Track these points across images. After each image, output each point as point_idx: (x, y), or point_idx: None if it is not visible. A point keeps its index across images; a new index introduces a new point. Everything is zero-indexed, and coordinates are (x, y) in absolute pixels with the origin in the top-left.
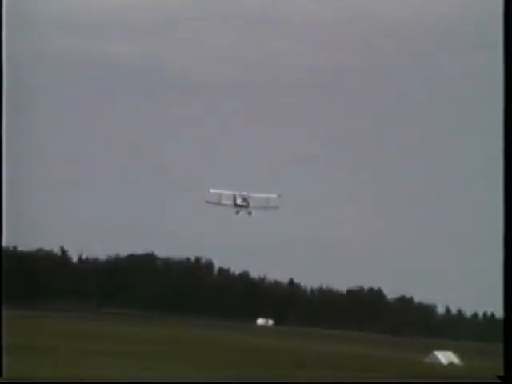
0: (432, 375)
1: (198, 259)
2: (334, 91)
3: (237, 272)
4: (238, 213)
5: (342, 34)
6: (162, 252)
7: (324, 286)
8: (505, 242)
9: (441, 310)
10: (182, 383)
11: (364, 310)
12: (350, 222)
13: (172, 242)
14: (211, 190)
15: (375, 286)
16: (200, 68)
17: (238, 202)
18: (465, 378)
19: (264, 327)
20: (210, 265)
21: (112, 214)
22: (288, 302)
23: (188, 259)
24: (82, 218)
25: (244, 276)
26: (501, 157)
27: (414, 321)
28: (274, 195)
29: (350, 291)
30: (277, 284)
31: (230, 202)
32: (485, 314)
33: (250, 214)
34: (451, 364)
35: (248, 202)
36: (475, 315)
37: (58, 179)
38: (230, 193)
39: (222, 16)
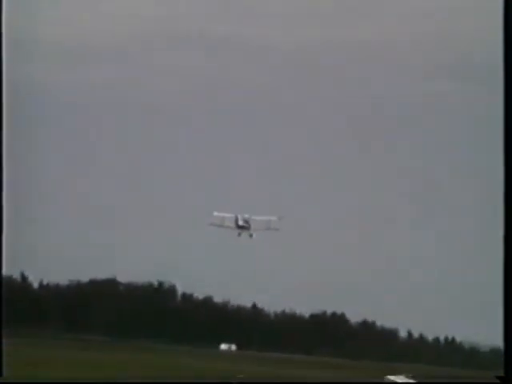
0: None
1: (160, 284)
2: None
3: (200, 297)
4: (239, 234)
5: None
6: (124, 277)
7: (287, 310)
8: (505, 242)
9: (403, 334)
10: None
11: (326, 334)
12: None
13: (135, 267)
14: (215, 213)
15: (338, 310)
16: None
17: (240, 224)
18: None
19: (227, 352)
20: (173, 289)
21: (73, 239)
22: (251, 327)
23: (151, 284)
24: (43, 243)
25: (208, 300)
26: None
27: (376, 345)
28: (275, 218)
29: (312, 315)
30: (240, 308)
31: (233, 225)
32: (446, 338)
33: (251, 236)
34: None
35: (249, 225)
36: (437, 339)
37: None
38: (232, 215)
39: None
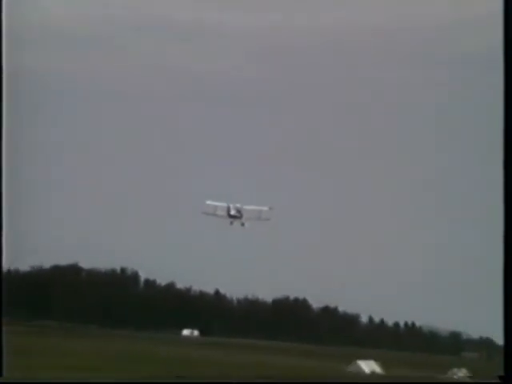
0: None
1: (123, 270)
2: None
3: (163, 283)
4: (231, 223)
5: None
6: (86, 263)
7: (249, 296)
8: (505, 243)
9: (364, 319)
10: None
11: (289, 320)
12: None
13: (97, 254)
14: (207, 202)
15: (300, 295)
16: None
17: (232, 213)
18: None
19: (189, 338)
20: (135, 276)
21: (37, 225)
22: (214, 313)
23: (113, 270)
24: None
25: (170, 287)
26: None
27: (339, 330)
28: (266, 208)
29: (275, 301)
30: (202, 295)
31: (225, 214)
32: (406, 323)
33: (242, 224)
34: (373, 373)
35: (241, 214)
36: (397, 324)
37: None
38: (224, 205)
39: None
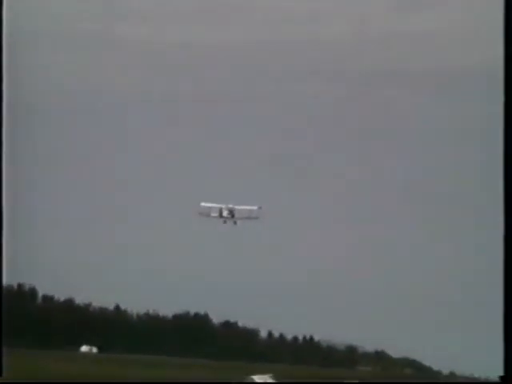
0: None
1: (20, 285)
2: None
3: (61, 298)
4: (225, 222)
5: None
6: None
7: (150, 312)
8: (505, 243)
9: (264, 334)
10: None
11: (190, 335)
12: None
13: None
14: (202, 204)
15: (201, 310)
16: None
17: (225, 214)
18: None
19: (88, 354)
20: (33, 291)
21: None
22: (113, 329)
23: (10, 286)
24: None
25: (68, 303)
26: None
27: (238, 345)
28: (255, 207)
29: (175, 316)
30: (102, 310)
31: (217, 214)
32: (304, 337)
33: (235, 223)
34: None
35: (233, 214)
36: (296, 339)
37: None
38: (218, 206)
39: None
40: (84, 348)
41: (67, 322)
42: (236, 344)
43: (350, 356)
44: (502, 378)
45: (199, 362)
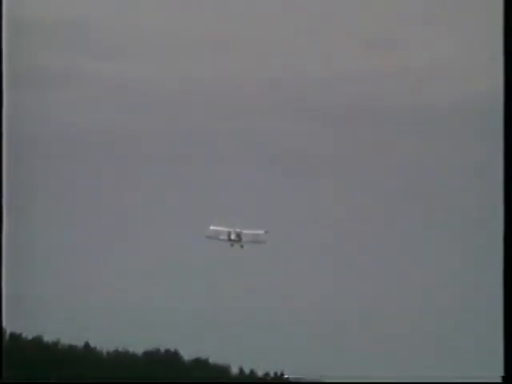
0: None
1: None
2: None
3: (29, 337)
4: (232, 245)
5: None
6: None
7: (120, 349)
8: (505, 244)
9: (235, 370)
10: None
11: (160, 371)
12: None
13: None
14: (211, 227)
15: (172, 347)
16: None
17: (232, 237)
18: None
19: None
20: None
21: None
22: (83, 365)
23: None
24: None
25: (36, 340)
26: None
27: (208, 381)
28: (262, 231)
29: (146, 353)
30: (71, 347)
31: (226, 238)
32: (275, 373)
33: (242, 246)
34: None
35: (240, 238)
36: (267, 375)
37: None
38: (226, 229)
39: None
40: None
41: (35, 360)
42: (207, 380)
43: None
44: (502, 378)
45: None
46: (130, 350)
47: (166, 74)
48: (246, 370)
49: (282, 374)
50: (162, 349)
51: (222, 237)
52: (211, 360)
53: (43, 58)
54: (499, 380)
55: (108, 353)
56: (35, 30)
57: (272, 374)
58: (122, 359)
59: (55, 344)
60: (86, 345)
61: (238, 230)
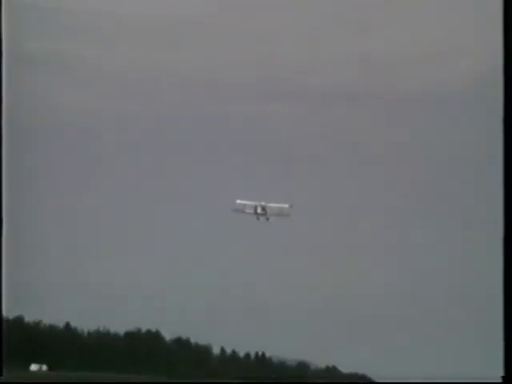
0: None
1: None
2: None
3: (10, 316)
4: (258, 218)
5: None
6: None
7: (101, 329)
8: (505, 244)
9: (216, 350)
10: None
11: (142, 352)
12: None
13: None
14: (238, 201)
15: (153, 327)
16: None
17: (259, 210)
18: None
19: (38, 373)
20: None
21: None
22: (64, 346)
23: None
24: None
25: (18, 321)
26: None
27: (190, 362)
28: (286, 205)
29: (127, 333)
30: (52, 328)
31: (252, 211)
32: (257, 354)
33: (267, 219)
34: None
35: (266, 211)
36: (248, 355)
37: None
38: (252, 203)
39: None
40: (33, 367)
41: (16, 341)
42: (188, 361)
43: (303, 372)
44: (502, 378)
45: (150, 379)
46: (112, 330)
47: (141, 60)
48: (228, 350)
49: (264, 355)
50: (144, 329)
51: (248, 210)
52: (193, 340)
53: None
54: (499, 380)
55: (89, 333)
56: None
57: (253, 355)
58: (102, 339)
59: (36, 324)
60: (67, 325)
61: (263, 203)
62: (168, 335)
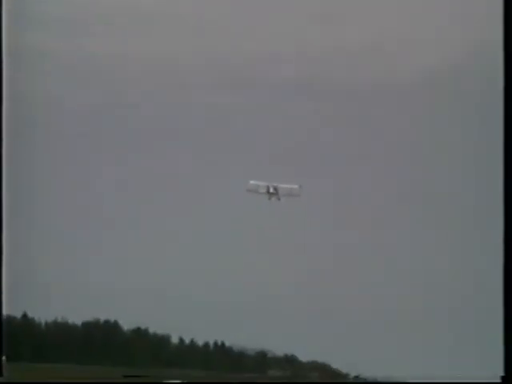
0: None
1: None
2: None
3: None
4: (270, 198)
5: None
6: None
7: (59, 319)
8: (505, 244)
9: (175, 340)
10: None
11: (100, 343)
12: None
13: None
14: (251, 182)
15: (111, 318)
16: None
17: (271, 191)
18: None
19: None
20: None
21: None
22: (21, 337)
23: None
24: None
25: None
26: None
27: (148, 352)
28: (296, 186)
29: (85, 324)
30: (9, 318)
31: (265, 191)
32: (215, 343)
33: (279, 199)
34: None
35: (277, 191)
36: (207, 345)
37: None
38: (264, 184)
39: None
40: None
41: None
42: (147, 350)
43: (262, 361)
44: (502, 378)
45: (109, 370)
46: (70, 320)
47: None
48: (186, 340)
49: (224, 344)
50: (102, 319)
51: (261, 190)
52: (151, 330)
53: None
54: (499, 380)
55: (47, 324)
56: None
57: (212, 344)
58: (60, 330)
59: None
60: (24, 315)
61: (275, 184)
62: (126, 325)
